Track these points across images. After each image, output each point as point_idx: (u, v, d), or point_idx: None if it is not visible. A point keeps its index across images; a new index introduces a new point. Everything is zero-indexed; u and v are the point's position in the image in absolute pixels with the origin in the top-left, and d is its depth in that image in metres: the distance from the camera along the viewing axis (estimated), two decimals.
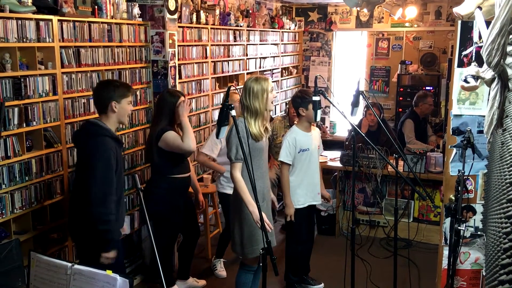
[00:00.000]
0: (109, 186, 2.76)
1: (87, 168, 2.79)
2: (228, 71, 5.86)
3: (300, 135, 3.69)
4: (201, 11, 5.22)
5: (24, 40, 3.08)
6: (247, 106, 3.06)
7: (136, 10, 4.15)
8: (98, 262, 2.76)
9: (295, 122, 3.93)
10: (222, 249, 4.35)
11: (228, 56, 5.85)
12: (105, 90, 2.93)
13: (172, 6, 4.31)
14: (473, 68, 2.30)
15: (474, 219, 3.16)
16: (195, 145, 3.50)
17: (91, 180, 2.74)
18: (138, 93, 4.20)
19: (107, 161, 2.77)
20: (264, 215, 2.88)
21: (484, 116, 2.65)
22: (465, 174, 2.86)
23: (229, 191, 3.94)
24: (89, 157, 2.80)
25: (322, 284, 4.10)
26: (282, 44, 7.61)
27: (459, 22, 2.94)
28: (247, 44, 6.33)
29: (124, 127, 3.98)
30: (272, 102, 3.14)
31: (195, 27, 5.05)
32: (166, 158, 3.54)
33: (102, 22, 3.77)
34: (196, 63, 5.09)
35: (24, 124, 3.12)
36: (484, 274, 2.71)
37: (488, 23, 1.82)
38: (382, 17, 7.96)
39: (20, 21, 3.04)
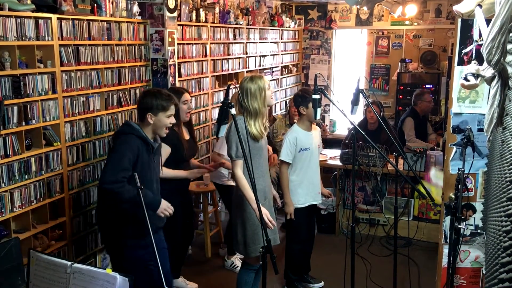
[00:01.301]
0: (122, 170, 2.72)
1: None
2: (228, 69, 5.86)
3: (301, 134, 3.68)
4: (201, 9, 5.21)
5: (23, 38, 3.08)
6: (246, 107, 3.04)
7: (136, 8, 4.14)
8: (124, 255, 2.87)
9: (296, 120, 3.93)
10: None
11: (228, 54, 5.84)
12: (144, 100, 2.90)
13: (171, 4, 4.31)
14: (473, 66, 2.29)
15: (474, 218, 3.16)
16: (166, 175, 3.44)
17: (107, 165, 2.78)
18: (137, 91, 4.20)
19: (123, 152, 2.75)
20: (267, 212, 2.90)
21: (484, 114, 2.64)
22: (465, 172, 2.85)
23: (232, 183, 3.94)
24: (111, 148, 2.91)
25: (322, 283, 4.10)
26: (282, 42, 7.61)
27: (459, 20, 2.93)
28: (246, 42, 6.32)
29: None
30: (271, 98, 3.14)
31: (194, 25, 5.05)
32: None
33: (102, 20, 3.77)
34: (195, 61, 5.09)
35: (24, 123, 3.12)
36: (484, 272, 2.71)
37: (488, 21, 1.81)
38: (382, 15, 7.95)
39: (19, 19, 3.04)
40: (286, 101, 7.56)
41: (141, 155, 2.81)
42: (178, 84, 4.57)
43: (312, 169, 3.76)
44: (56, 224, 3.44)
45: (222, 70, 5.72)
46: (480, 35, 2.72)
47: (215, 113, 5.48)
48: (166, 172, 3.47)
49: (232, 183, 3.99)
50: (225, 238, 4.53)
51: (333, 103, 3.06)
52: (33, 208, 3.24)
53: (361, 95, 3.09)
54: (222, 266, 4.40)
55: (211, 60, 5.43)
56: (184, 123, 3.66)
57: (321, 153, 4.21)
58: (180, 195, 3.63)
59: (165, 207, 2.86)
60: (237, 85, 3.20)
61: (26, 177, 3.17)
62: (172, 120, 2.95)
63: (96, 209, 3.11)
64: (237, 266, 4.21)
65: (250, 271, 3.26)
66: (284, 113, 6.13)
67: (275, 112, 7.10)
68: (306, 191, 3.75)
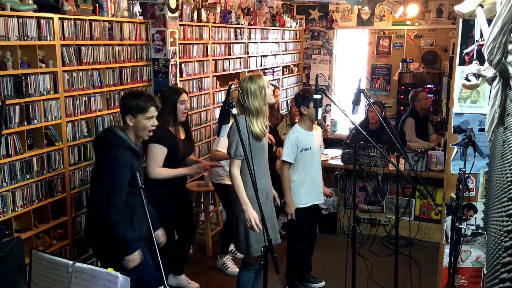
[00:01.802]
0: (113, 198, 2.65)
1: (98, 176, 2.74)
2: (229, 69, 5.86)
3: (302, 134, 3.68)
4: (202, 9, 5.22)
5: (25, 38, 3.09)
6: (247, 107, 3.05)
7: (137, 8, 4.15)
8: (118, 267, 2.66)
9: (297, 120, 3.93)
10: (227, 245, 4.33)
11: (229, 54, 5.85)
12: (123, 102, 2.83)
13: (173, 4, 4.31)
14: (474, 66, 2.30)
15: (475, 218, 3.16)
16: (155, 176, 3.43)
17: (98, 190, 2.68)
18: None
19: (116, 174, 2.66)
20: (255, 215, 2.90)
21: (485, 114, 2.64)
22: (466, 172, 2.85)
23: (228, 181, 3.95)
24: (101, 166, 2.75)
25: (323, 283, 4.10)
26: (283, 42, 7.61)
27: (461, 20, 2.93)
28: (248, 42, 6.33)
29: None
30: (272, 95, 3.15)
31: (196, 25, 5.05)
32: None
33: (103, 20, 3.77)
34: (197, 61, 5.09)
35: (25, 122, 3.13)
36: (485, 272, 2.71)
37: (489, 21, 1.81)
38: (384, 15, 7.95)
39: (21, 19, 3.05)
40: (287, 101, 7.56)
41: (133, 167, 2.70)
42: (179, 84, 4.58)
43: (313, 169, 3.76)
44: (57, 224, 3.45)
45: (224, 70, 5.72)
46: (481, 35, 2.72)
47: (216, 113, 5.48)
48: (166, 172, 3.49)
49: (227, 181, 4.00)
50: (222, 238, 4.49)
51: (334, 103, 3.06)
52: (35, 207, 3.24)
53: (362, 95, 3.09)
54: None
55: (213, 60, 5.44)
56: (180, 122, 3.68)
57: (322, 153, 4.21)
58: (176, 194, 3.63)
59: (135, 259, 2.70)
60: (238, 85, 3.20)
61: (28, 176, 3.18)
62: (154, 122, 2.83)
63: (85, 228, 2.99)
64: (228, 267, 4.24)
65: (250, 271, 3.26)
66: (285, 113, 6.13)
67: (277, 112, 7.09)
68: (308, 191, 3.75)
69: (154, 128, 2.85)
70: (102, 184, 2.68)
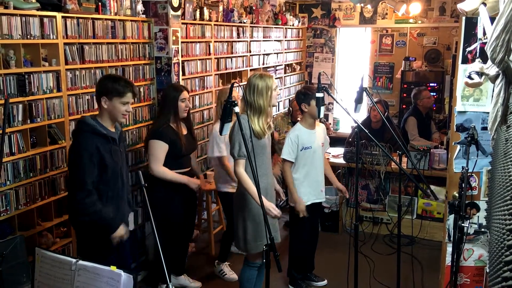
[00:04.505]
0: (79, 185, 2.73)
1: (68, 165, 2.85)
2: (232, 68, 5.86)
3: (303, 133, 3.67)
4: (205, 8, 5.22)
5: (28, 36, 3.09)
6: (251, 103, 3.06)
7: (140, 7, 4.15)
8: (97, 256, 2.73)
9: (299, 119, 3.92)
10: (225, 252, 4.25)
11: (232, 53, 5.85)
12: (101, 83, 2.88)
13: (175, 2, 4.31)
14: (477, 65, 2.29)
15: (478, 216, 3.16)
16: (157, 174, 3.53)
17: (67, 180, 2.80)
18: (141, 89, 4.21)
19: (79, 162, 2.73)
20: (270, 203, 2.97)
21: (488, 112, 2.63)
22: (469, 171, 2.85)
23: (230, 189, 3.93)
24: (69, 155, 2.86)
25: (326, 281, 4.10)
26: (285, 40, 7.60)
27: (464, 18, 2.92)
28: (250, 41, 6.32)
29: (128, 123, 3.99)
30: (276, 99, 3.16)
31: (198, 24, 5.05)
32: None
33: (106, 19, 3.77)
34: (199, 59, 5.09)
35: (28, 121, 3.13)
36: (487, 271, 2.71)
37: (492, 19, 1.81)
38: (386, 13, 7.93)
39: (24, 18, 3.05)
40: (289, 99, 7.55)
41: (103, 152, 2.76)
42: (182, 83, 4.58)
43: (315, 168, 3.75)
44: (60, 222, 3.46)
45: (226, 69, 5.73)
46: (484, 34, 2.71)
47: None
48: (168, 174, 3.51)
49: (228, 189, 3.98)
50: (221, 245, 4.44)
51: (337, 102, 3.07)
52: (38, 205, 3.25)
53: (365, 94, 3.08)
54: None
55: (215, 58, 5.44)
56: (182, 119, 3.71)
57: (326, 151, 4.18)
58: (183, 192, 3.64)
59: (120, 234, 2.82)
60: (241, 84, 3.20)
61: (31, 174, 3.18)
62: (128, 108, 2.86)
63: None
64: (225, 274, 4.19)
65: (252, 268, 3.28)
66: (286, 111, 6.13)
67: (278, 110, 7.10)
68: (308, 189, 3.74)
69: (127, 114, 2.89)
70: (70, 171, 2.81)
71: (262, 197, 2.90)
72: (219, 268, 4.25)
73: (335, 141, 6.69)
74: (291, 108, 5.48)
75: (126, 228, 2.91)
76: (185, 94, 3.68)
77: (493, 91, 2.01)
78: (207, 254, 4.64)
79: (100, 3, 3.72)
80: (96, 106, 3.70)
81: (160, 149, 3.50)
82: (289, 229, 4.25)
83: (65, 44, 3.38)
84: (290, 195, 3.73)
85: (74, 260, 1.99)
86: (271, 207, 2.99)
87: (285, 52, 7.64)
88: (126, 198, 3.04)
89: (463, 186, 2.75)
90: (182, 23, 4.64)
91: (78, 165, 2.74)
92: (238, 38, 5.99)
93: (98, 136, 2.78)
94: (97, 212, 2.77)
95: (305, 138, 3.67)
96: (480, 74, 2.20)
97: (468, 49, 2.94)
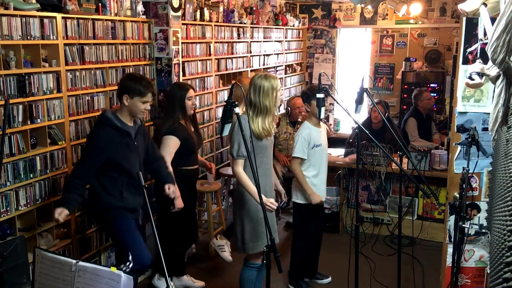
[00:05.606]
0: (77, 165, 3.12)
1: None
2: (232, 69, 5.86)
3: (313, 131, 3.68)
4: (205, 8, 5.22)
5: (28, 37, 3.09)
6: (255, 103, 3.04)
7: (140, 7, 4.15)
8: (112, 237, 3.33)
9: (299, 119, 3.92)
10: (231, 234, 4.28)
11: (232, 54, 5.84)
12: (125, 82, 3.10)
13: (175, 3, 4.31)
14: (478, 65, 2.28)
15: (479, 217, 3.15)
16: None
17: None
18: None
19: (91, 150, 3.04)
20: (268, 199, 2.95)
21: (489, 113, 2.63)
22: (469, 171, 2.84)
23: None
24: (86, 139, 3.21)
25: (330, 278, 4.10)
26: (286, 41, 7.60)
27: (464, 18, 2.92)
28: (251, 41, 6.32)
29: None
30: (279, 99, 3.16)
31: (198, 24, 5.05)
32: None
33: (106, 20, 3.78)
34: (199, 60, 5.09)
35: (29, 122, 3.13)
36: (488, 271, 2.71)
37: (493, 19, 1.81)
38: (387, 14, 7.93)
39: (24, 19, 3.05)
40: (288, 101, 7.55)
41: (116, 141, 3.00)
42: None
43: (323, 166, 3.77)
44: (61, 223, 3.45)
45: (226, 69, 5.72)
46: (485, 34, 2.71)
47: (219, 112, 5.49)
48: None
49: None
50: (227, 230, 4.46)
51: (337, 102, 3.06)
52: (38, 206, 3.25)
53: (365, 95, 3.08)
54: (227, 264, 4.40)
55: (215, 59, 5.44)
56: (188, 117, 3.76)
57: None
58: (188, 188, 3.67)
59: (58, 213, 2.91)
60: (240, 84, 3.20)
61: (31, 175, 3.18)
62: (147, 107, 3.08)
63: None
64: (225, 250, 4.07)
65: (251, 269, 3.27)
66: (283, 112, 6.12)
67: (278, 111, 7.09)
68: (315, 188, 3.73)
69: (146, 111, 3.13)
70: (81, 158, 3.20)
71: (263, 197, 2.91)
72: (219, 242, 4.19)
73: (335, 141, 6.68)
74: (289, 108, 5.47)
75: (62, 209, 2.95)
76: (191, 92, 3.73)
77: (493, 91, 2.01)
78: (207, 255, 4.63)
79: (100, 4, 3.72)
80: (96, 106, 3.72)
81: (172, 144, 3.55)
82: (291, 229, 4.24)
83: (65, 44, 3.38)
84: (297, 192, 3.73)
85: (74, 261, 1.99)
86: (268, 201, 2.93)
87: (286, 53, 7.64)
88: (138, 189, 3.11)
89: (464, 187, 2.74)
90: (183, 24, 4.64)
91: (86, 150, 3.12)
92: (238, 38, 5.99)
93: (113, 129, 3.02)
94: (72, 192, 2.99)
95: (315, 135, 3.68)
96: (481, 74, 2.20)
97: (469, 49, 2.93)
